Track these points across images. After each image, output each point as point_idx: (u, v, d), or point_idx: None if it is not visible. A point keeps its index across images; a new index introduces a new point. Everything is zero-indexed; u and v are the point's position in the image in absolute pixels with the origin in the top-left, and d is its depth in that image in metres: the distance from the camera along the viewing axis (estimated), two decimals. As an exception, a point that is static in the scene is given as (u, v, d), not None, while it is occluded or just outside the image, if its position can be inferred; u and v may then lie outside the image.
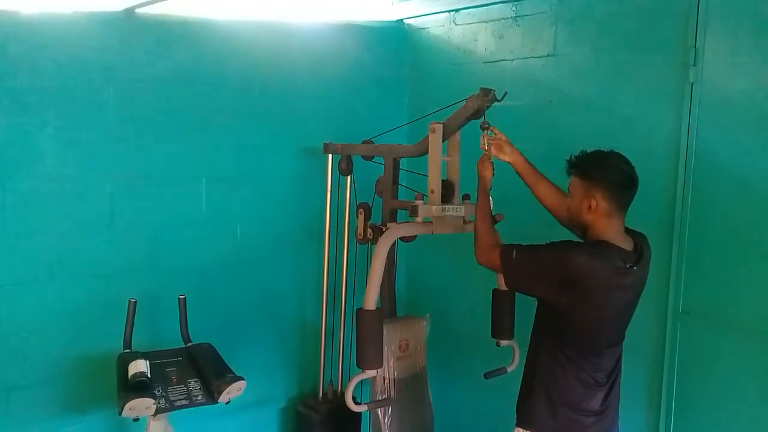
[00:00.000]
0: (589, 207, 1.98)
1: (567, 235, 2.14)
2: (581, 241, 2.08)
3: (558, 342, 2.06)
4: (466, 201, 2.56)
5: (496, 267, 2.13)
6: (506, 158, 2.28)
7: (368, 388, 2.74)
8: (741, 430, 2.33)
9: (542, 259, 2.02)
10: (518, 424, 2.16)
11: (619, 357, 2.14)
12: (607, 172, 1.98)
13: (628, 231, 2.06)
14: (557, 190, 2.22)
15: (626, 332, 2.15)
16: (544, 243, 2.04)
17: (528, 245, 2.08)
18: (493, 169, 2.32)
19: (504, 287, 2.52)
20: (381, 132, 2.96)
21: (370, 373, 2.40)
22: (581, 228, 2.07)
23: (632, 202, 2.02)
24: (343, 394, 2.81)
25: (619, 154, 2.02)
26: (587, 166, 2.01)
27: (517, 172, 2.29)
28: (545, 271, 2.01)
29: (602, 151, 2.02)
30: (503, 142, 2.28)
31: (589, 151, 2.04)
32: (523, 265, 2.06)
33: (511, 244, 2.12)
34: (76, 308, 2.63)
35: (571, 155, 2.05)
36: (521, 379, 2.20)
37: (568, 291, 1.95)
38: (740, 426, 2.33)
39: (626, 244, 2.01)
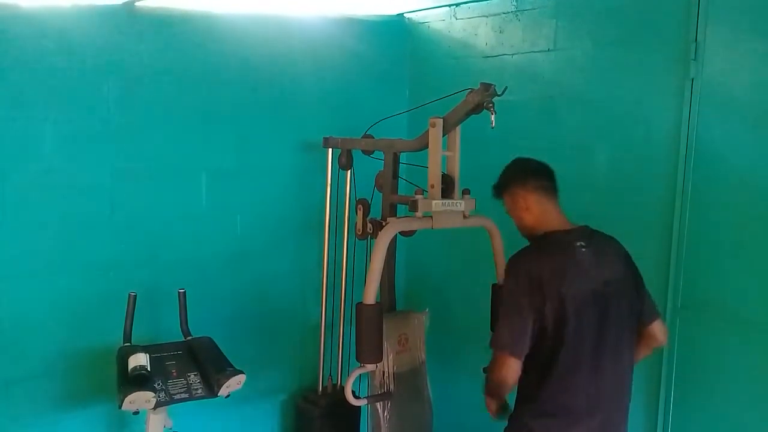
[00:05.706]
0: (526, 208, 2.08)
1: None
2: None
3: (537, 362, 1.99)
4: (466, 196, 2.55)
5: (504, 367, 1.98)
6: None
7: (367, 382, 2.74)
8: (740, 425, 2.34)
9: (511, 306, 1.99)
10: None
11: (619, 381, 2.07)
12: (512, 172, 2.16)
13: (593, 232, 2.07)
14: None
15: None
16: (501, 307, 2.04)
17: (495, 329, 2.02)
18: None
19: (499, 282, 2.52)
20: (379, 120, 2.96)
21: (370, 368, 2.41)
22: (532, 235, 2.11)
23: (557, 188, 2.09)
24: (342, 388, 2.82)
25: (519, 157, 2.18)
26: (500, 181, 2.18)
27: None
28: (520, 309, 1.95)
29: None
30: None
31: None
32: (509, 333, 1.97)
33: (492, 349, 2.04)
34: (75, 301, 2.62)
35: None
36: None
37: (541, 301, 1.92)
38: (739, 420, 2.34)
39: (567, 226, 2.06)
